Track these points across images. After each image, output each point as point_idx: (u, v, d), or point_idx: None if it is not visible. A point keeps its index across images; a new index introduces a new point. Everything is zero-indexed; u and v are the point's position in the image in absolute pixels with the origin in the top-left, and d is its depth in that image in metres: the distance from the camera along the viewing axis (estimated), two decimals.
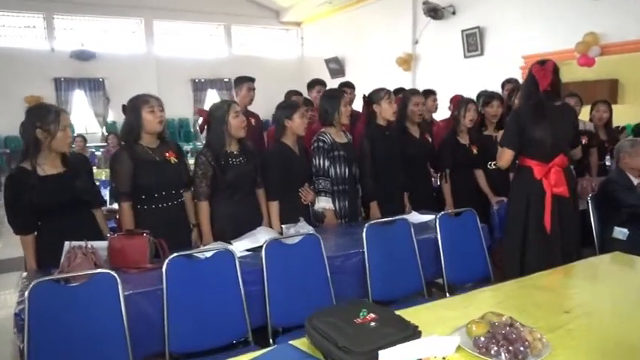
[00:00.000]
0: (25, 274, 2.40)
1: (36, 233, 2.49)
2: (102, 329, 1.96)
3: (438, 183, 4.05)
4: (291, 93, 4.43)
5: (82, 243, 2.30)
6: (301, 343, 1.53)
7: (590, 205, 3.27)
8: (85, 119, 12.26)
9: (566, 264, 2.81)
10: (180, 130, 12.84)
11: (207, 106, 12.43)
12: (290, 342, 1.53)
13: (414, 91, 3.75)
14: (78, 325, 1.93)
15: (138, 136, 2.65)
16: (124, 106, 2.70)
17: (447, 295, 2.74)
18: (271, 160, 3.00)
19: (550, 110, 2.87)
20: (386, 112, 3.37)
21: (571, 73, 8.96)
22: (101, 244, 2.40)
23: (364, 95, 3.47)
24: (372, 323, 1.43)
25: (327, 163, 3.15)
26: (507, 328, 1.44)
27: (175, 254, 2.20)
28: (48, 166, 2.43)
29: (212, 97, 13.11)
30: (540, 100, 2.86)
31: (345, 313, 1.50)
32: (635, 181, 3.18)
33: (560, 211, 2.87)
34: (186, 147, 10.49)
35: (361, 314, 1.46)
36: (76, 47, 11.91)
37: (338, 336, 1.37)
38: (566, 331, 1.57)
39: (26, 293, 1.86)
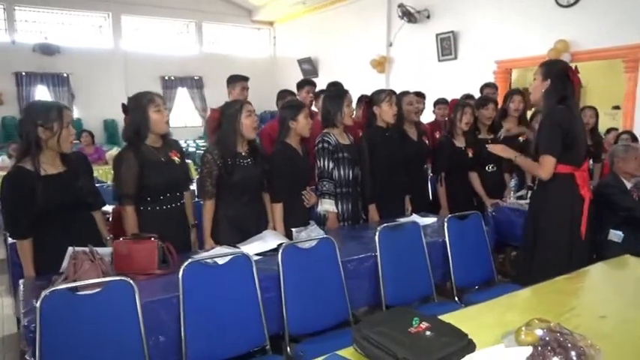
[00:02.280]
0: (21, 281, 2.24)
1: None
2: (118, 340, 1.85)
3: (430, 185, 4.07)
4: (284, 92, 4.35)
5: (86, 248, 2.17)
6: (349, 354, 1.48)
7: None
8: None
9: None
10: None
11: (176, 104, 12.11)
12: (337, 352, 1.47)
13: (404, 93, 3.75)
14: (93, 336, 1.81)
15: (145, 136, 2.53)
16: (124, 105, 2.57)
17: (456, 298, 2.74)
18: (277, 162, 2.92)
19: (579, 115, 2.85)
20: (386, 114, 3.35)
21: None
22: (104, 251, 2.28)
23: (365, 96, 3.44)
24: (428, 332, 1.39)
25: (331, 165, 3.09)
26: (559, 336, 1.43)
27: (191, 260, 2.10)
28: (48, 166, 2.28)
29: (182, 95, 12.82)
30: (576, 103, 2.77)
31: (396, 321, 1.45)
32: (629, 185, 3.28)
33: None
34: None
35: (414, 323, 1.42)
36: (39, 40, 11.40)
37: (396, 347, 1.33)
38: (606, 337, 1.57)
39: (38, 303, 1.73)
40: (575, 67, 2.80)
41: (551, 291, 2.03)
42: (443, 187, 3.73)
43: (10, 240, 2.87)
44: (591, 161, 4.50)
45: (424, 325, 1.41)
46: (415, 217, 3.23)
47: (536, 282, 2.59)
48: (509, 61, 8.36)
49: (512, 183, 3.77)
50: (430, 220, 3.21)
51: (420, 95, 4.70)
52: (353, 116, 3.42)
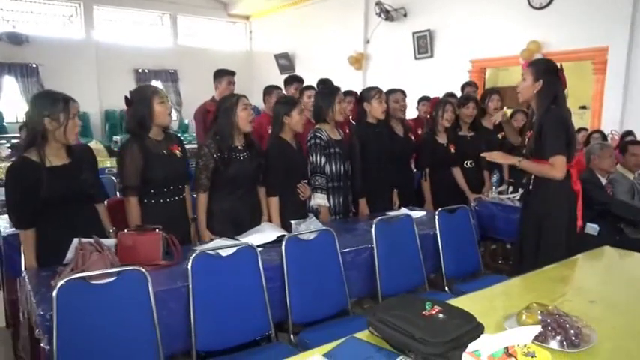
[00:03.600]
0: (25, 271, 2.25)
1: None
2: (132, 327, 1.90)
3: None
4: (271, 88, 4.41)
5: (91, 240, 2.20)
6: (364, 336, 1.56)
7: None
8: (16, 108, 11.41)
9: None
10: (122, 122, 12.24)
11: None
12: (354, 335, 1.56)
13: (390, 90, 3.85)
14: (107, 324, 1.86)
15: (149, 128, 2.56)
16: (127, 97, 2.60)
17: (446, 288, 2.87)
18: (272, 156, 2.99)
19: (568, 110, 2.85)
20: (376, 110, 3.45)
21: (508, 78, 9.53)
22: (108, 242, 2.30)
23: (356, 93, 3.53)
24: (440, 315, 1.48)
25: (323, 160, 3.17)
26: (558, 317, 1.56)
27: (199, 251, 2.16)
28: (53, 157, 2.30)
29: None
30: (565, 101, 2.76)
31: (409, 306, 1.55)
32: (603, 181, 3.47)
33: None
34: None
35: (427, 306, 1.52)
36: (7, 29, 11.05)
37: (412, 328, 1.42)
38: (597, 319, 1.69)
39: (54, 292, 1.76)
40: (561, 65, 2.81)
41: (541, 279, 2.16)
42: (427, 181, 3.87)
43: (3, 232, 2.85)
44: None
45: (436, 308, 1.51)
46: (404, 211, 3.34)
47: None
48: (483, 61, 8.59)
49: (494, 179, 3.93)
50: (418, 213, 3.33)
51: (403, 93, 4.82)
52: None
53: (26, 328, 2.29)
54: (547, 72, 2.72)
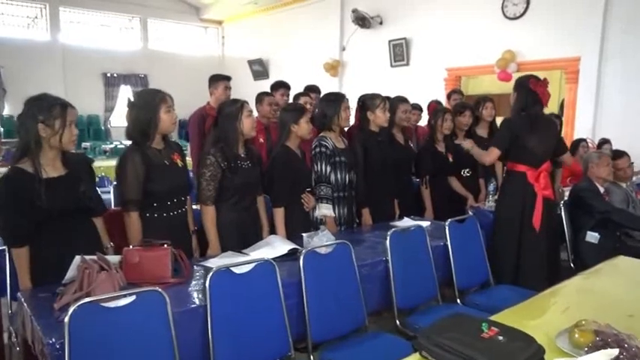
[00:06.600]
0: (20, 294, 2.04)
1: None
2: (151, 354, 1.74)
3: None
4: (262, 95, 4.28)
5: (95, 257, 2.02)
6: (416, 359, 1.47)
7: (562, 210, 3.53)
8: None
9: (551, 262, 3.11)
10: (90, 127, 11.81)
11: (118, 102, 11.38)
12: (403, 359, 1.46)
13: (401, 99, 3.79)
14: (124, 350, 1.70)
15: (153, 137, 2.38)
16: (130, 100, 2.42)
17: (458, 300, 2.80)
18: (278, 165, 2.86)
19: (542, 122, 3.14)
20: (380, 119, 3.37)
21: (478, 86, 9.67)
22: (112, 259, 2.12)
23: (359, 99, 3.45)
24: (500, 337, 1.40)
25: (328, 169, 3.07)
26: (614, 336, 1.49)
27: (215, 268, 2.01)
28: (49, 167, 2.10)
29: (126, 93, 12.25)
30: (536, 113, 3.10)
31: (464, 327, 1.46)
32: (601, 189, 3.50)
33: (547, 212, 3.11)
34: (104, 146, 9.66)
35: (484, 328, 1.43)
36: None
37: (475, 353, 1.33)
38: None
39: (66, 319, 1.58)
40: (545, 79, 3.09)
41: (568, 293, 2.12)
42: (428, 189, 3.81)
43: None
44: None
45: (494, 330, 1.43)
46: (408, 221, 3.26)
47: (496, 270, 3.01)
48: (459, 69, 8.67)
49: (491, 187, 3.91)
50: (424, 223, 3.26)
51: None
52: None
53: (20, 356, 2.08)
54: (518, 87, 3.18)
